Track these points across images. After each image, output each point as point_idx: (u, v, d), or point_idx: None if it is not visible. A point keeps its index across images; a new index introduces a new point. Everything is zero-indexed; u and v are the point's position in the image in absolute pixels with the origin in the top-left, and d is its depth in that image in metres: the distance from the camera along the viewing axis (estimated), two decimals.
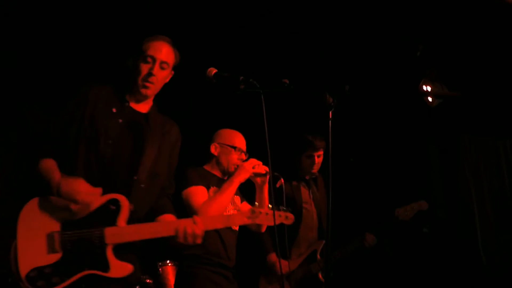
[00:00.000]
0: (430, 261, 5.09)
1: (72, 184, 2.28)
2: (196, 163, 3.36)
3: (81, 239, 2.27)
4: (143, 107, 2.66)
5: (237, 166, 3.21)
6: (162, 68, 2.59)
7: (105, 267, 2.26)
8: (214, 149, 3.32)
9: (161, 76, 2.61)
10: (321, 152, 4.14)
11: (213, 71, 2.68)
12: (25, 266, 2.21)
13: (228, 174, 3.27)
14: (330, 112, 2.59)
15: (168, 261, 4.18)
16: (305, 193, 4.19)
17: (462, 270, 4.98)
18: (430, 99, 5.13)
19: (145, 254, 4.25)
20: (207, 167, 3.35)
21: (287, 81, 2.59)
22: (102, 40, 4.20)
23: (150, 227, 2.39)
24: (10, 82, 4.10)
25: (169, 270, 4.16)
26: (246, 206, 3.42)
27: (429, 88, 5.08)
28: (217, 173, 3.33)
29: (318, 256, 4.04)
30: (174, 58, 2.67)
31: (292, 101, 4.48)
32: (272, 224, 2.63)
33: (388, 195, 5.19)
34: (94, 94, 2.53)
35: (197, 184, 3.12)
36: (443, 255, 5.08)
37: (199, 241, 2.42)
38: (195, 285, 3.08)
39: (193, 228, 2.38)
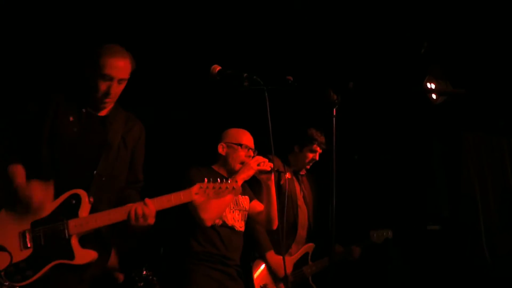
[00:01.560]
0: (434, 259, 5.08)
1: (25, 190, 2.49)
2: (205, 164, 3.37)
3: (48, 233, 2.50)
4: (102, 111, 2.76)
5: (243, 163, 3.22)
6: (120, 84, 2.67)
7: (71, 255, 2.49)
8: (221, 149, 3.33)
9: (119, 90, 2.70)
10: (321, 151, 4.14)
11: (217, 68, 2.69)
12: (2, 263, 2.41)
13: (234, 173, 3.26)
14: (334, 109, 2.59)
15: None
16: (297, 189, 4.16)
17: (466, 268, 4.97)
18: (434, 96, 5.11)
19: (150, 251, 4.32)
20: (215, 167, 3.36)
21: (291, 78, 2.59)
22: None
23: (107, 214, 2.55)
24: None
25: None
26: (256, 205, 3.42)
27: (433, 86, 5.06)
28: (224, 172, 3.33)
29: (309, 261, 4.02)
30: (131, 68, 2.71)
31: (296, 98, 4.47)
32: (221, 196, 2.68)
33: (390, 195, 5.19)
34: (54, 105, 2.65)
35: (199, 182, 3.12)
36: (447, 253, 5.07)
37: (151, 221, 2.54)
38: (194, 281, 3.09)
39: (143, 209, 2.51)
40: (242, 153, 3.29)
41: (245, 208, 3.37)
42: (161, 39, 4.36)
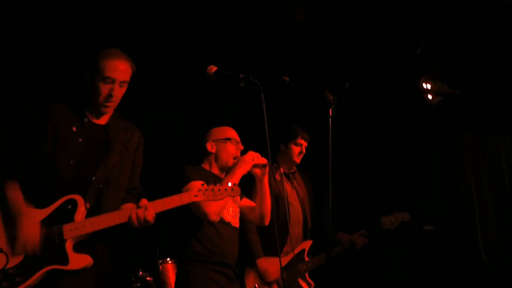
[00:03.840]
0: (430, 259, 5.09)
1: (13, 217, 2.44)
2: (192, 163, 3.37)
3: (41, 238, 2.44)
4: (103, 119, 2.75)
5: (237, 158, 3.25)
6: (121, 87, 2.66)
7: (65, 261, 2.43)
8: (210, 147, 3.35)
9: (121, 93, 2.69)
10: (306, 144, 4.16)
11: (213, 68, 2.68)
12: None
13: (227, 170, 3.29)
14: (330, 110, 2.59)
15: (168, 259, 4.18)
16: (288, 188, 4.14)
17: (462, 268, 4.98)
18: (430, 97, 5.12)
19: (146, 252, 4.32)
20: (205, 166, 3.38)
21: (287, 79, 2.59)
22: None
23: (104, 217, 2.51)
24: None
25: (170, 268, 4.17)
26: (246, 202, 3.42)
27: (429, 86, 5.07)
28: (216, 171, 3.35)
29: (306, 257, 4.03)
30: (131, 71, 2.71)
31: (292, 99, 4.48)
32: (219, 199, 2.71)
33: (387, 196, 5.20)
34: (55, 113, 2.62)
35: (196, 179, 3.13)
36: (444, 253, 5.08)
37: (151, 222, 2.54)
38: (194, 283, 3.08)
39: (145, 213, 2.51)
40: (232, 147, 3.33)
41: (238, 204, 3.39)
42: (157, 40, 4.36)
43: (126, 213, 2.52)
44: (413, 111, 5.28)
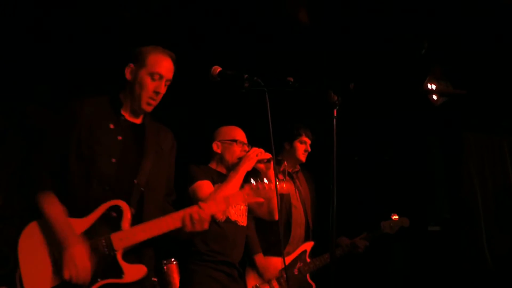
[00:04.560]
0: (435, 260, 5.08)
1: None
2: (199, 163, 3.38)
3: (89, 251, 2.24)
4: (138, 119, 2.62)
5: (240, 159, 3.25)
6: (166, 86, 2.56)
7: (119, 273, 2.25)
8: (216, 147, 3.36)
9: (163, 91, 2.56)
10: (310, 142, 4.16)
11: (217, 69, 2.68)
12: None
13: (232, 169, 3.28)
14: (335, 110, 2.59)
15: (173, 259, 4.18)
16: (292, 188, 4.12)
17: (467, 269, 4.97)
18: (435, 97, 5.12)
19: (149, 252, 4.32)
20: (211, 165, 3.39)
21: (292, 79, 2.59)
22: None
23: (156, 223, 2.34)
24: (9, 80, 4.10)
25: (174, 268, 4.17)
26: None
27: (433, 86, 5.07)
28: (222, 170, 3.36)
29: (308, 258, 4.02)
30: (174, 71, 2.62)
31: (296, 99, 4.48)
32: (272, 196, 2.70)
33: (391, 196, 5.19)
34: (87, 110, 2.45)
35: (202, 179, 3.15)
36: (448, 253, 5.07)
37: (206, 226, 2.44)
38: (195, 281, 3.10)
39: (199, 213, 2.40)
40: (237, 149, 3.33)
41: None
42: (162, 40, 4.36)
43: (178, 216, 2.38)
44: (417, 112, 5.28)
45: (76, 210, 2.32)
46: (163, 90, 2.53)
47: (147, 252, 2.48)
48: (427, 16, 4.39)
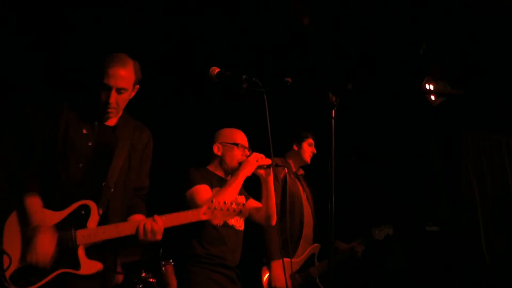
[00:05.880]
0: (433, 260, 5.08)
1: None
2: (199, 165, 3.37)
3: (55, 243, 2.48)
4: (112, 121, 2.74)
5: (240, 163, 3.22)
6: (119, 93, 2.62)
7: (76, 265, 2.50)
8: (217, 149, 3.33)
9: (120, 100, 2.65)
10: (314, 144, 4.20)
11: (215, 70, 2.67)
12: (10, 268, 2.44)
13: (232, 173, 3.27)
14: (333, 111, 2.59)
15: (171, 260, 4.18)
16: (300, 188, 4.16)
17: (465, 269, 4.97)
18: (433, 97, 5.12)
19: (149, 253, 4.32)
20: (210, 168, 3.36)
21: (290, 80, 2.59)
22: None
23: (115, 227, 2.55)
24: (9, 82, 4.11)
25: (172, 269, 4.17)
26: (253, 203, 3.42)
27: (432, 86, 5.07)
28: (220, 173, 3.34)
29: (316, 262, 4.02)
30: (134, 77, 2.67)
31: (294, 100, 4.48)
32: (226, 219, 2.80)
33: (389, 196, 5.20)
34: (66, 115, 2.63)
35: (200, 183, 3.13)
36: (447, 253, 5.07)
37: (159, 237, 2.56)
38: (194, 283, 3.09)
39: (152, 225, 2.53)
40: (238, 153, 3.30)
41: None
42: (161, 41, 4.36)
43: (135, 224, 2.55)
44: (415, 112, 5.28)
45: (53, 205, 2.55)
46: (114, 99, 2.61)
47: (110, 249, 2.66)
48: (425, 16, 4.39)
